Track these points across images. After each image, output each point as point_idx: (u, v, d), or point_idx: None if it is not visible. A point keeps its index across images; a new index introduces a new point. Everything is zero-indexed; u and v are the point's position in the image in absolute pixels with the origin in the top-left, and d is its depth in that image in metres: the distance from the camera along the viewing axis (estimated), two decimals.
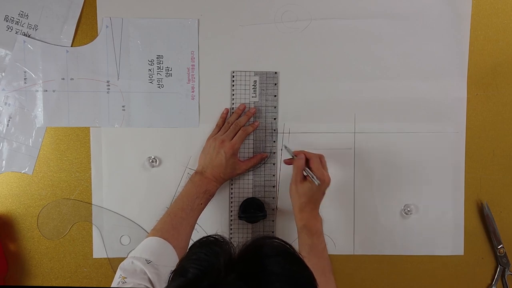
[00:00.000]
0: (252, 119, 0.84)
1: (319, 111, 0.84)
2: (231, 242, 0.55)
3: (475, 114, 0.85)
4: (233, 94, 0.84)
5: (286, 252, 0.54)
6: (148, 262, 0.63)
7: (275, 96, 0.84)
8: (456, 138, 0.85)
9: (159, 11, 0.83)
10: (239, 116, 0.83)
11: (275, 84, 0.84)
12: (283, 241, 0.56)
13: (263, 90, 0.84)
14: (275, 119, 0.84)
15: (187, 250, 0.59)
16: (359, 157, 0.85)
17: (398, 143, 0.85)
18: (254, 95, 0.83)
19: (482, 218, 0.86)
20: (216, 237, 0.56)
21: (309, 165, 0.77)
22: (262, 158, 0.84)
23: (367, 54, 0.84)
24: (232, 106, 0.84)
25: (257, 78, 0.83)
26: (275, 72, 0.83)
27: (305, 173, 0.77)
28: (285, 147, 0.83)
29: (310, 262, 0.74)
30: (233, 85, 0.83)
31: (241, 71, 0.83)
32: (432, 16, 0.84)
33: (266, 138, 0.84)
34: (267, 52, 0.84)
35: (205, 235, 0.58)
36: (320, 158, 0.78)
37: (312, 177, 0.75)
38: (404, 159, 0.85)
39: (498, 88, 0.85)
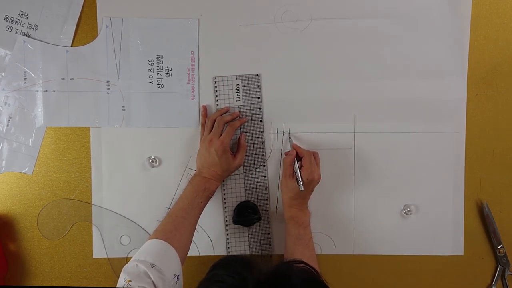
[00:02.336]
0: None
1: (319, 111, 0.84)
2: (255, 262, 0.55)
3: (475, 114, 0.85)
4: (217, 100, 0.84)
5: (313, 281, 0.54)
6: (153, 266, 0.63)
7: (259, 98, 0.84)
8: (456, 138, 0.85)
9: (159, 11, 0.83)
10: (221, 114, 0.83)
11: (258, 86, 0.84)
12: (309, 265, 0.57)
13: (246, 93, 0.84)
14: (261, 121, 0.84)
15: (208, 271, 0.58)
16: (359, 157, 0.85)
17: (398, 143, 0.85)
18: (238, 99, 0.83)
19: (482, 218, 0.86)
20: (239, 257, 0.56)
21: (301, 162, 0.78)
22: (244, 138, 0.83)
23: (367, 54, 0.84)
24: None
25: (239, 82, 0.83)
26: (257, 74, 0.83)
27: (294, 170, 0.78)
28: (289, 138, 0.83)
29: (297, 251, 0.75)
30: (216, 91, 0.83)
31: (222, 76, 0.83)
32: (432, 16, 0.84)
33: (254, 140, 0.84)
34: (267, 52, 0.83)
35: (226, 254, 0.56)
36: (314, 155, 0.80)
37: (298, 182, 0.76)
38: (404, 159, 0.85)
39: (498, 88, 0.85)
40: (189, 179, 0.79)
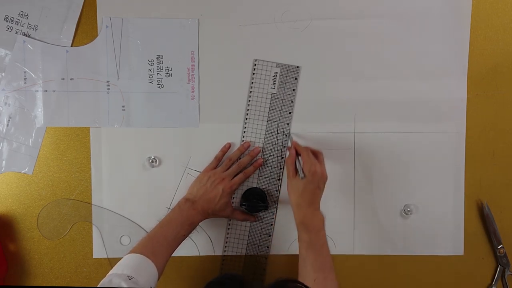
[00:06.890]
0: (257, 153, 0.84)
1: (319, 111, 0.84)
2: (249, 281, 0.55)
3: (475, 114, 0.85)
4: (252, 83, 0.83)
5: None
6: (130, 278, 0.62)
7: (293, 90, 0.84)
8: (456, 138, 0.85)
9: (159, 11, 0.83)
10: (242, 154, 0.83)
11: (295, 78, 0.84)
12: (303, 285, 0.57)
13: (283, 82, 0.83)
14: (290, 113, 0.84)
15: None
16: (359, 157, 0.85)
17: (398, 143, 0.85)
18: (273, 86, 0.83)
19: (482, 218, 0.86)
20: (235, 275, 0.56)
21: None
22: (249, 219, 0.84)
23: (367, 54, 0.84)
24: (250, 95, 0.83)
25: (278, 70, 0.83)
26: (297, 67, 0.83)
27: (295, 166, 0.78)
28: (289, 134, 0.83)
29: (309, 258, 0.74)
30: (254, 74, 0.83)
31: (263, 60, 0.83)
32: (432, 16, 0.84)
33: (279, 130, 0.84)
34: (266, 52, 0.83)
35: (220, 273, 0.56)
36: (317, 153, 0.79)
37: (297, 169, 0.76)
38: (404, 159, 0.85)
39: (498, 88, 0.85)
40: (178, 203, 0.79)
